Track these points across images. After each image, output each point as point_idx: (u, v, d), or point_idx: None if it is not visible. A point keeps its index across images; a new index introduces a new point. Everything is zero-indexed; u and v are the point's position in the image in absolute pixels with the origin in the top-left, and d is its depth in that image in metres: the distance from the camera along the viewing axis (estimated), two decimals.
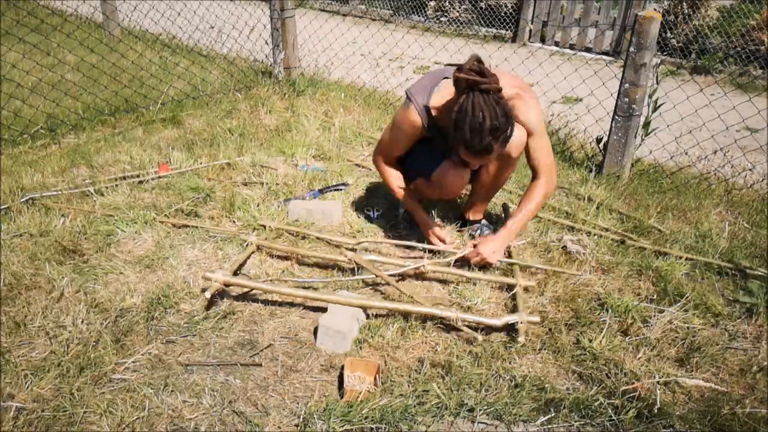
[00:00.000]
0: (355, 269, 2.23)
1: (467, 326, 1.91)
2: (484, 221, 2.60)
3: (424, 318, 1.96)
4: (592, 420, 1.62)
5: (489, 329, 1.94)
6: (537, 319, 1.94)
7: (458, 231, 2.58)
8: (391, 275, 2.15)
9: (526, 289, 2.14)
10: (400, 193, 2.45)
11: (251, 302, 2.08)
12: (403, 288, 2.08)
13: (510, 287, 2.15)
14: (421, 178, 2.43)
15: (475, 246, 2.27)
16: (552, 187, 2.31)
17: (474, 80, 1.87)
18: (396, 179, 2.45)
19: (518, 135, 2.15)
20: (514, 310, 2.00)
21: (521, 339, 1.86)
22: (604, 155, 3.21)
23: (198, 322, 1.94)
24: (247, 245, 2.34)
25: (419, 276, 2.25)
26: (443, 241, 2.38)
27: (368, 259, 2.22)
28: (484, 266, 2.26)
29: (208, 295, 1.97)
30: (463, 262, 2.27)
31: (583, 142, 3.62)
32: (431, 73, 2.27)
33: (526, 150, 2.23)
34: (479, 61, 1.93)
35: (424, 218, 2.45)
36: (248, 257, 2.30)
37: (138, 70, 4.44)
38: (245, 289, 2.11)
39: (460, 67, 1.92)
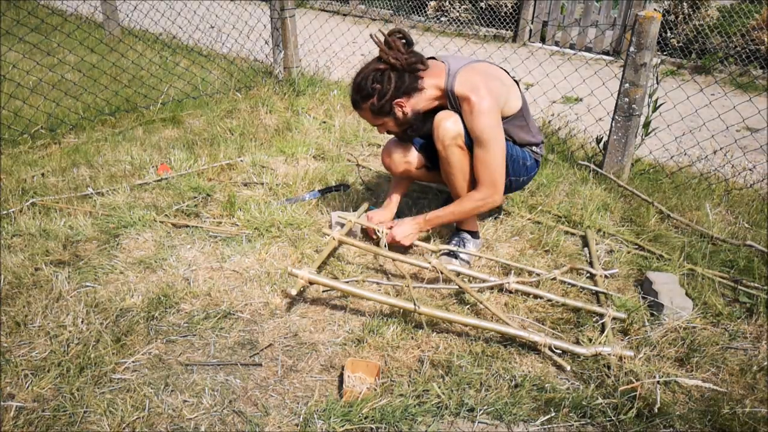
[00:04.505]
0: (440, 278, 2.15)
1: (555, 353, 1.81)
2: (465, 234, 2.42)
3: (428, 320, 1.96)
4: (592, 420, 1.62)
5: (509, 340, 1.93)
6: (631, 353, 1.79)
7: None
8: (473, 288, 2.05)
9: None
10: None
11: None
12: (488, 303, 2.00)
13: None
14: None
15: (391, 228, 2.30)
16: (487, 202, 2.22)
17: (379, 47, 2.12)
18: None
19: (447, 128, 2.14)
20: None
21: (613, 372, 1.76)
22: (604, 155, 3.21)
23: (198, 322, 1.94)
24: (327, 240, 2.27)
25: (501, 290, 2.15)
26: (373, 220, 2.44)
27: (452, 270, 2.13)
28: (403, 247, 2.31)
29: (294, 292, 1.91)
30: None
31: (583, 142, 3.62)
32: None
33: (474, 161, 2.18)
34: (403, 35, 2.13)
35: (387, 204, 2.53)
36: (331, 253, 2.27)
37: (138, 70, 4.44)
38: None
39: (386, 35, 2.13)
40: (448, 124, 2.14)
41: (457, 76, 2.14)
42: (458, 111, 2.17)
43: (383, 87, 2.11)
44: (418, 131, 2.28)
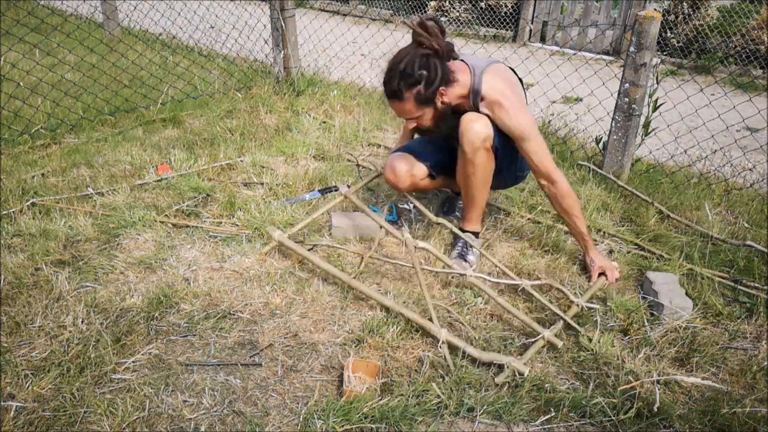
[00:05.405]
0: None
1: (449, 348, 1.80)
2: (470, 235, 2.38)
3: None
4: (592, 420, 1.62)
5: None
6: (526, 370, 1.71)
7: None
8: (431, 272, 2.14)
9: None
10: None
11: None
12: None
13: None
14: None
15: (600, 274, 2.24)
16: (563, 187, 2.18)
17: (415, 31, 1.99)
18: None
19: (477, 131, 2.09)
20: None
21: (499, 379, 1.71)
22: (604, 155, 3.21)
23: (198, 322, 1.94)
24: (337, 194, 2.45)
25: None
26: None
27: (422, 247, 2.08)
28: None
29: (265, 250, 2.06)
30: None
31: (583, 142, 3.62)
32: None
33: (525, 156, 2.17)
34: (436, 22, 2.03)
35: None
36: (334, 205, 2.51)
37: (138, 70, 4.44)
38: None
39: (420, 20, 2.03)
40: (477, 127, 2.10)
41: (483, 77, 2.12)
42: (476, 110, 2.15)
43: (431, 73, 2.01)
44: (450, 125, 2.20)
